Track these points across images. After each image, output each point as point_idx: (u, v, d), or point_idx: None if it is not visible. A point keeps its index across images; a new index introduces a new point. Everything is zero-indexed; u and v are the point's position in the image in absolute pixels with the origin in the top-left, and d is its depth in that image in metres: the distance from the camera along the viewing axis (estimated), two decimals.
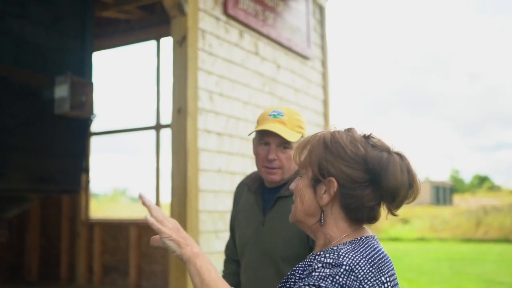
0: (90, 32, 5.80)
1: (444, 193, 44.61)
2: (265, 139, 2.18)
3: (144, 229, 7.11)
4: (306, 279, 1.34)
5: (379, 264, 1.39)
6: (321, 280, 1.30)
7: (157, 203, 7.08)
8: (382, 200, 1.47)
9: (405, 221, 25.42)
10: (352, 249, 1.38)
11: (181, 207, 4.38)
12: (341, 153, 1.43)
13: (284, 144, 2.15)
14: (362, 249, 1.40)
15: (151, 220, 1.50)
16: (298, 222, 1.54)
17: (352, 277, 1.31)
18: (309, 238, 2.04)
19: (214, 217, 4.72)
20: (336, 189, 1.42)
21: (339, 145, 1.44)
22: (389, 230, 23.91)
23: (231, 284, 2.41)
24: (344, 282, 1.29)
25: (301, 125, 2.19)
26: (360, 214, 1.46)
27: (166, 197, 7.09)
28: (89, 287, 7.39)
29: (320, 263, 1.34)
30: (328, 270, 1.31)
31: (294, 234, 2.08)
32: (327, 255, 1.36)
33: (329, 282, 1.30)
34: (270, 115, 2.18)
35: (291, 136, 2.12)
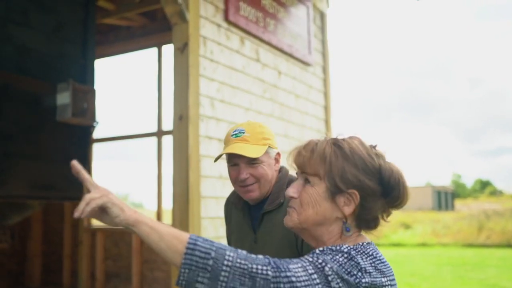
0: (91, 39, 5.82)
1: (445, 198, 44.55)
2: (233, 161, 2.17)
3: None
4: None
5: (381, 266, 1.41)
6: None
7: (159, 209, 7.09)
8: (383, 209, 1.50)
9: (407, 226, 25.38)
10: (356, 251, 1.40)
11: (183, 213, 4.39)
12: (363, 166, 1.45)
13: (252, 161, 2.13)
14: (365, 252, 1.42)
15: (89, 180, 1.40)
16: (301, 229, 1.52)
17: (353, 262, 1.34)
18: (297, 245, 2.04)
19: (216, 223, 4.73)
20: (359, 202, 1.44)
21: (360, 156, 1.45)
22: (391, 235, 23.87)
23: None
24: (342, 261, 1.33)
25: (265, 136, 2.16)
26: (370, 224, 1.50)
27: (168, 204, 7.10)
28: None
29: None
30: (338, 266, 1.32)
31: (284, 245, 2.09)
32: (333, 247, 1.39)
33: (329, 258, 1.33)
34: (232, 135, 2.17)
35: (255, 152, 2.10)
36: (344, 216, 1.46)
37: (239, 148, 2.11)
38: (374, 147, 1.51)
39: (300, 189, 1.51)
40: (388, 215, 1.52)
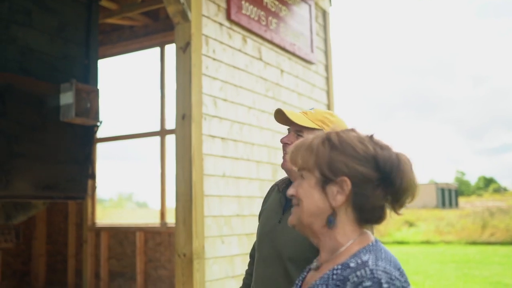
0: (94, 40, 5.84)
1: (449, 196, 44.50)
2: (288, 129, 2.24)
3: (150, 234, 7.14)
4: None
5: (401, 268, 1.39)
6: None
7: (163, 208, 7.11)
8: (390, 200, 1.45)
9: (410, 224, 25.37)
10: (376, 257, 1.37)
11: (186, 212, 4.41)
12: (352, 152, 1.42)
13: (298, 131, 2.17)
14: (383, 256, 1.39)
15: None
16: (302, 226, 1.49)
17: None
18: None
19: (219, 221, 4.74)
20: (350, 189, 1.40)
21: (349, 144, 1.43)
22: (394, 233, 23.87)
23: (249, 284, 2.44)
24: None
25: (325, 121, 2.17)
26: (371, 215, 1.44)
27: (171, 203, 7.11)
28: None
29: None
30: None
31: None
32: (358, 273, 1.32)
33: None
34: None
35: (303, 121, 2.14)
36: (332, 206, 1.43)
37: (289, 112, 2.16)
38: (371, 136, 1.48)
39: (297, 186, 1.50)
40: (400, 206, 1.46)
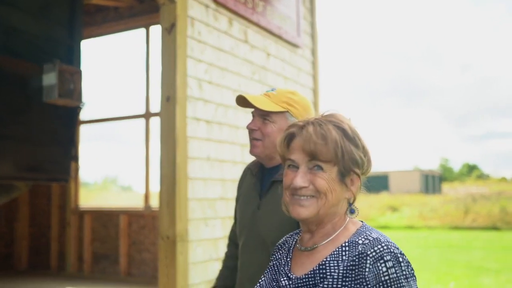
0: (78, 20, 5.77)
1: (433, 182, 44.86)
2: (252, 113, 2.20)
3: (134, 217, 7.12)
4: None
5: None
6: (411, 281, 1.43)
7: (147, 191, 7.09)
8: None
9: (394, 209, 25.56)
10: (381, 235, 1.45)
11: (170, 195, 4.39)
12: (359, 143, 1.48)
13: (264, 116, 2.14)
14: (382, 233, 1.48)
15: None
16: (316, 218, 1.47)
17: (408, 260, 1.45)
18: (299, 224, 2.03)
19: (203, 204, 4.73)
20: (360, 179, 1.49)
21: (358, 137, 1.48)
22: (378, 218, 24.03)
23: (229, 266, 2.43)
24: (411, 266, 1.45)
25: (290, 102, 2.14)
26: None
27: (156, 187, 7.10)
28: (79, 276, 7.40)
29: (386, 265, 1.39)
30: (401, 270, 1.41)
31: (286, 219, 2.05)
32: (376, 248, 1.40)
33: (411, 271, 1.43)
34: (266, 91, 2.22)
35: (266, 105, 2.11)
36: (354, 196, 1.50)
37: (251, 97, 2.12)
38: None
39: (307, 177, 1.46)
40: None
